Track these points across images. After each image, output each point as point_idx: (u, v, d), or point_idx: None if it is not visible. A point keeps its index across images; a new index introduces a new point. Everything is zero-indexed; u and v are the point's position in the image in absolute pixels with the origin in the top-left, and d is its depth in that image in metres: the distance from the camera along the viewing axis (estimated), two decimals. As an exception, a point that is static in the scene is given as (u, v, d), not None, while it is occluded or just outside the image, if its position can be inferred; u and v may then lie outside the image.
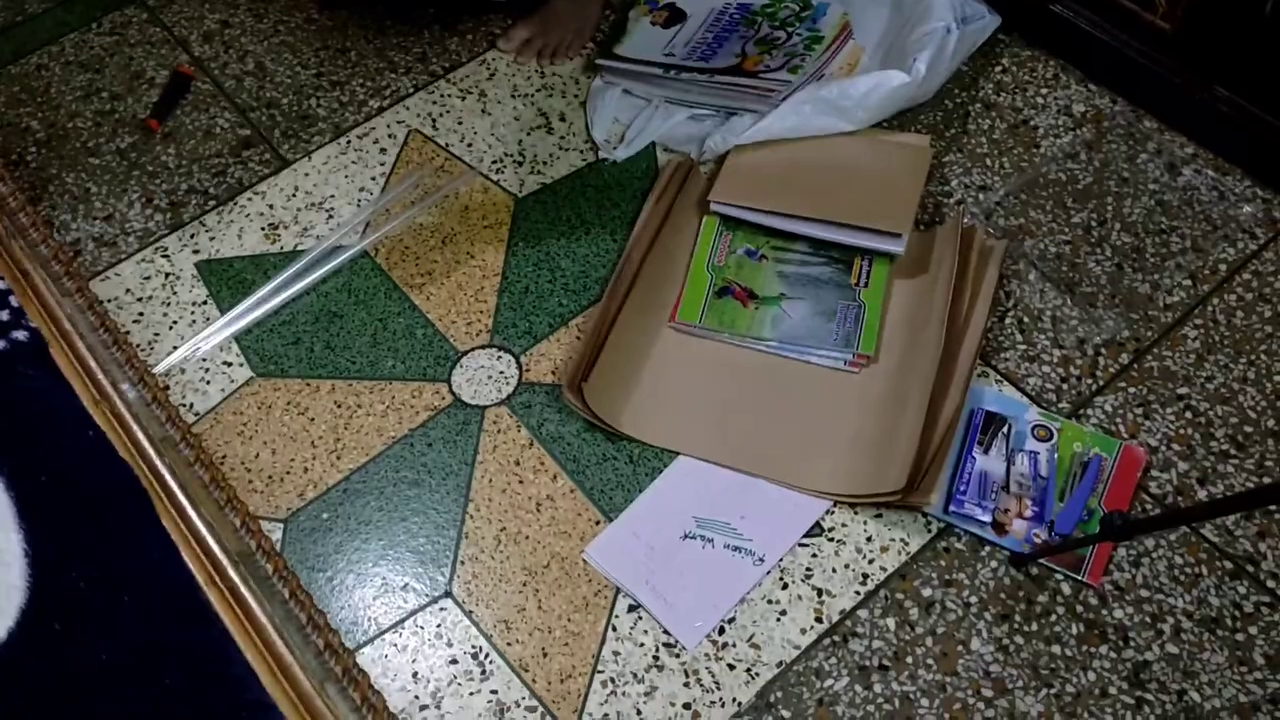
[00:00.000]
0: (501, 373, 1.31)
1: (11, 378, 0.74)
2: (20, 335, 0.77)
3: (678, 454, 1.23)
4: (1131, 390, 1.24)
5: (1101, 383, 1.25)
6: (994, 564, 1.14)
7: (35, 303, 0.79)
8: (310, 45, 1.64)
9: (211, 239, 1.44)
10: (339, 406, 1.29)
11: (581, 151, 1.50)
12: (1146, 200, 1.38)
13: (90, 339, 0.78)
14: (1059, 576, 1.12)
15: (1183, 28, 1.34)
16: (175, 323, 1.36)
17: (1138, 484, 1.17)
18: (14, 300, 0.78)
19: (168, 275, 1.40)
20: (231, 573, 0.66)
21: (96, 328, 0.79)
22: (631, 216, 1.42)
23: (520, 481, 1.22)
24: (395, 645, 1.12)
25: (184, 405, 1.28)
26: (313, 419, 1.28)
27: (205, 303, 1.38)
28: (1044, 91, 1.50)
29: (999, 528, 1.15)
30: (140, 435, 0.72)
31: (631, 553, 1.17)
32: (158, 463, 0.71)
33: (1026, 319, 1.30)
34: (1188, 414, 1.22)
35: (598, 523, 1.19)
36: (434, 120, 1.55)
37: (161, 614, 0.64)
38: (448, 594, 1.16)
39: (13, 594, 0.65)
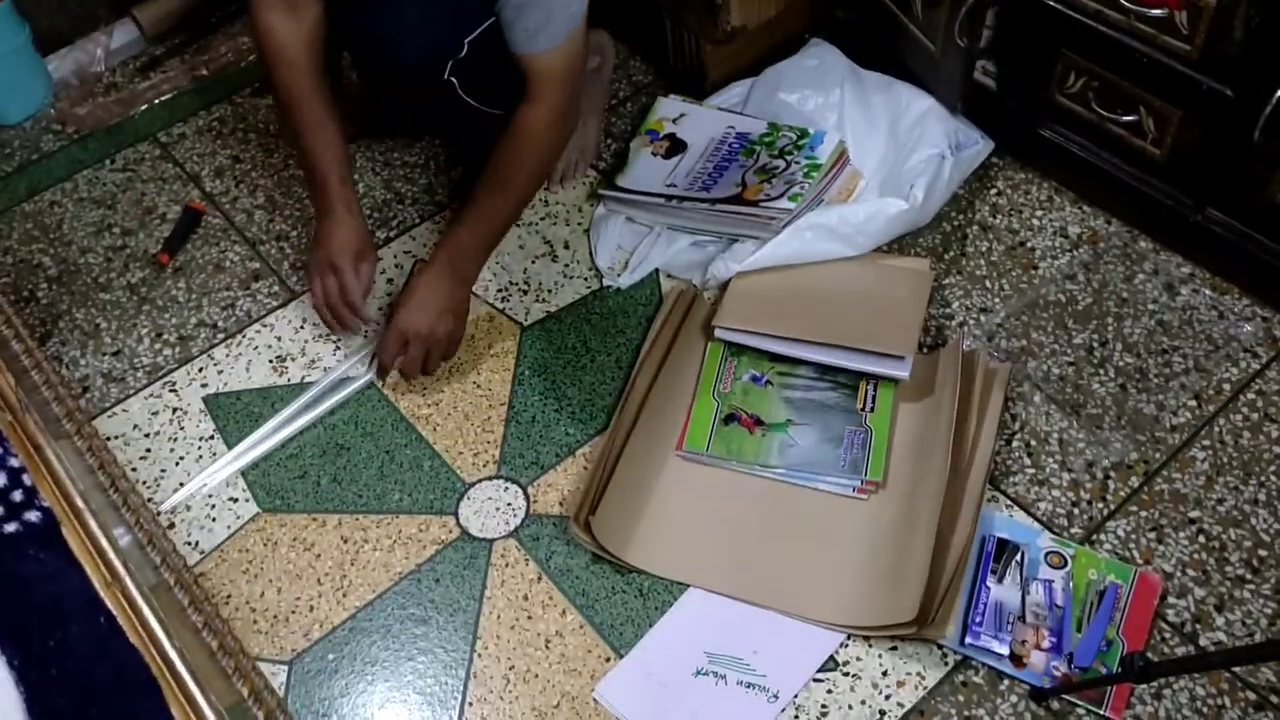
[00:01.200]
0: (509, 504, 1.30)
1: (22, 562, 0.73)
2: (32, 516, 0.76)
3: (688, 586, 1.22)
4: (1143, 514, 1.23)
5: (1113, 507, 1.24)
6: (1014, 698, 1.11)
7: (48, 479, 0.79)
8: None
9: (220, 372, 1.45)
10: (345, 542, 1.28)
11: (586, 279, 1.52)
12: (1147, 320, 1.40)
13: (100, 507, 0.78)
14: (1081, 711, 1.10)
15: (1173, 153, 1.37)
16: (182, 458, 1.36)
17: (1155, 612, 1.15)
18: (27, 479, 0.78)
19: (175, 410, 1.41)
20: (243, 765, 0.65)
21: (106, 488, 0.79)
22: (636, 343, 1.44)
23: (529, 617, 1.21)
24: (402, 795, 1.09)
25: (189, 544, 1.27)
26: (319, 555, 1.27)
27: (212, 437, 1.38)
28: (1039, 213, 1.53)
29: (1017, 660, 1.13)
30: (151, 619, 0.72)
31: (643, 691, 1.15)
32: (168, 648, 0.70)
33: (1034, 442, 1.30)
34: (1201, 538, 1.21)
35: (608, 659, 1.17)
36: (440, 250, 1.57)
37: (172, 817, 0.63)
38: (456, 738, 1.13)
39: (20, 800, 0.63)
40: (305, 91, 1.35)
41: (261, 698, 0.70)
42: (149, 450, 1.37)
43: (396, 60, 1.32)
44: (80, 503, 0.77)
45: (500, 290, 1.51)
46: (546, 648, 1.18)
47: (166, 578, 0.76)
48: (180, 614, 0.72)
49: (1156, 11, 1.28)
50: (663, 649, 1.18)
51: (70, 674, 0.67)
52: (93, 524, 0.76)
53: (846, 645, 1.16)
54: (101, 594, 0.72)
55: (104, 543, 0.75)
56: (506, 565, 1.25)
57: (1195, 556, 1.20)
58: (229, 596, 1.22)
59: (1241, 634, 1.14)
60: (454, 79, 1.34)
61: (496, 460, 1.34)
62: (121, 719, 0.65)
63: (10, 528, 0.77)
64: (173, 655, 0.68)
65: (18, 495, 0.78)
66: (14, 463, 0.80)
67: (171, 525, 1.28)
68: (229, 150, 1.73)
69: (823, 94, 1.59)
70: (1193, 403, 1.32)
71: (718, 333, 1.39)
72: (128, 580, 0.73)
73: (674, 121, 1.61)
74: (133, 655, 0.69)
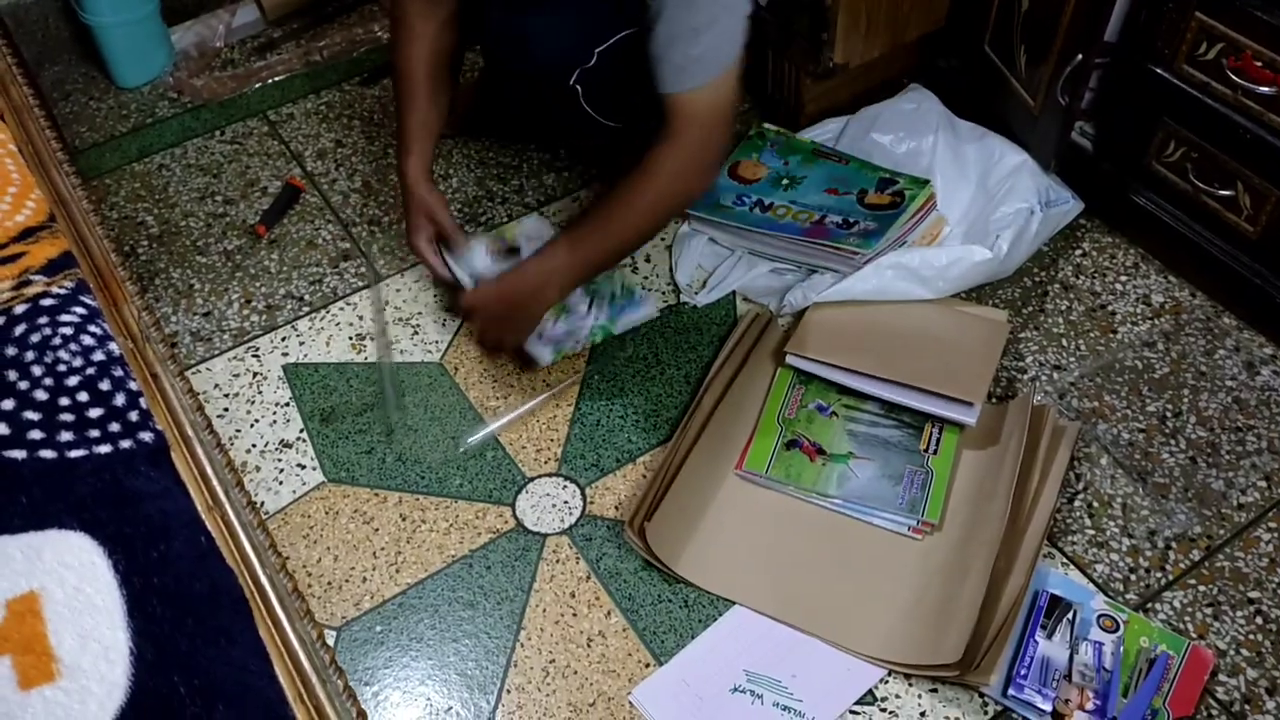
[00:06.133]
0: (566, 502, 1.32)
1: (135, 477, 0.78)
2: (146, 436, 0.81)
3: (733, 603, 1.23)
4: (1201, 589, 1.22)
5: (1171, 577, 1.23)
6: (1051, 755, 1.10)
7: (162, 405, 0.83)
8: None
9: (301, 344, 1.49)
10: (404, 520, 1.31)
11: (664, 293, 1.54)
12: (1223, 396, 1.38)
13: (208, 443, 0.82)
14: (1119, 777, 1.09)
15: (1266, 232, 1.36)
16: (257, 421, 1.40)
17: (1204, 687, 1.14)
18: (143, 402, 0.82)
19: (255, 375, 1.46)
20: (319, 690, 0.67)
21: (202, 428, 0.83)
22: (707, 361, 1.45)
23: (574, 614, 1.22)
24: (434, 771, 1.11)
25: (255, 503, 1.31)
26: (377, 529, 1.30)
27: (288, 404, 1.42)
28: (1123, 279, 1.53)
29: (1059, 718, 1.12)
30: (246, 543, 0.75)
31: (679, 701, 1.16)
32: (259, 572, 0.73)
33: (1096, 504, 1.29)
34: (1258, 619, 1.19)
35: (647, 665, 1.18)
36: (525, 250, 1.61)
37: (252, 727, 0.66)
38: (491, 723, 1.15)
39: (114, 692, 0.67)
40: (416, 76, 1.41)
41: (325, 644, 0.73)
42: (226, 410, 1.42)
43: (527, 61, 1.36)
44: (189, 431, 0.81)
45: (579, 295, 1.55)
46: (588, 646, 1.20)
47: (250, 518, 0.79)
48: (263, 552, 0.75)
49: (1265, 89, 1.28)
50: (702, 662, 1.19)
51: (170, 585, 0.70)
52: (199, 451, 0.80)
53: (886, 681, 1.16)
54: (203, 516, 0.75)
55: (208, 469, 0.79)
56: (557, 561, 1.27)
57: (1251, 637, 1.18)
58: (287, 559, 1.26)
59: (1292, 721, 1.12)
60: (578, 86, 1.37)
61: (558, 458, 1.36)
62: (214, 632, 0.69)
63: (125, 444, 0.82)
64: (264, 581, 0.72)
65: (134, 415, 0.83)
66: (133, 386, 0.85)
67: (239, 484, 1.32)
68: (333, 134, 1.79)
69: (916, 138, 1.60)
70: (1263, 483, 1.30)
71: (789, 359, 1.41)
72: (227, 506, 0.77)
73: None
74: (228, 575, 0.72)
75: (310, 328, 1.51)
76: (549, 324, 1.40)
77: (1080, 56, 1.40)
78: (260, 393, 1.44)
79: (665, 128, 1.27)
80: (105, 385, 0.86)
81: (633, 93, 1.32)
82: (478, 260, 1.43)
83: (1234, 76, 1.30)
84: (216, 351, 1.48)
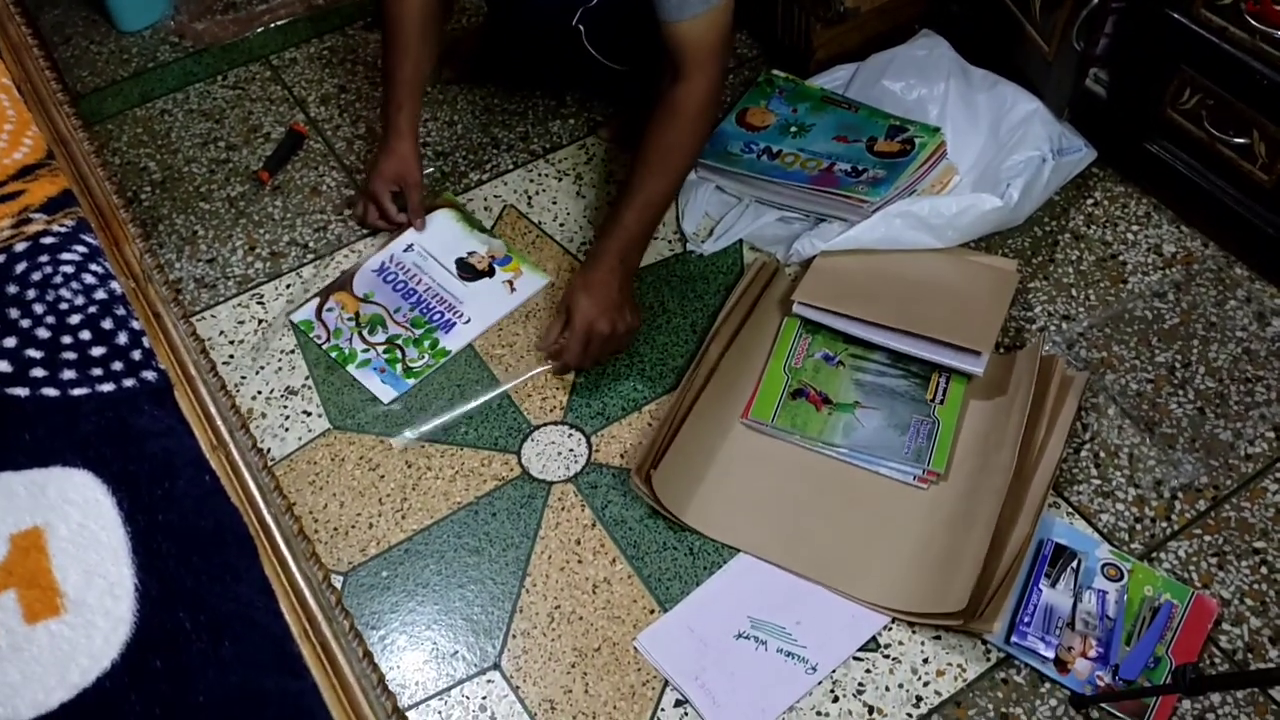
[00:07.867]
0: (571, 450, 1.32)
1: (138, 415, 0.78)
2: (149, 375, 0.81)
3: (738, 551, 1.23)
4: (1207, 539, 1.22)
5: (1176, 527, 1.23)
6: (1053, 702, 1.11)
7: (165, 345, 0.83)
8: (420, 116, 1.70)
9: (306, 291, 1.48)
10: (409, 467, 1.31)
11: (670, 241, 1.53)
12: (1233, 347, 1.37)
13: (212, 384, 0.82)
14: (1120, 723, 1.09)
15: (1282, 180, 1.35)
16: (262, 368, 1.40)
17: (1208, 636, 1.14)
18: (146, 341, 0.82)
19: (260, 321, 1.45)
20: (325, 628, 0.67)
21: (206, 369, 0.83)
22: (714, 310, 1.44)
23: (579, 561, 1.23)
24: (440, 713, 1.12)
25: (261, 449, 1.31)
26: (383, 476, 1.30)
27: (293, 352, 1.42)
28: (1135, 228, 1.51)
29: (1061, 665, 1.12)
30: (250, 483, 0.75)
31: (683, 646, 1.16)
32: (264, 511, 0.73)
33: (1103, 454, 1.29)
34: (1263, 569, 1.19)
35: (652, 611, 1.19)
36: (530, 197, 1.59)
37: (258, 662, 0.66)
38: (496, 666, 1.15)
39: (120, 627, 0.67)
40: (404, 18, 1.40)
41: (332, 585, 0.73)
42: (232, 357, 1.41)
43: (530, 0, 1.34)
44: (193, 370, 0.81)
45: (584, 243, 1.53)
46: (593, 592, 1.20)
47: (255, 460, 0.79)
48: (268, 493, 0.75)
49: (1284, 33, 1.25)
50: (707, 608, 1.19)
51: (175, 522, 0.71)
52: (203, 390, 0.80)
53: (890, 629, 1.17)
54: (207, 455, 0.75)
55: (212, 409, 0.79)
56: (563, 509, 1.27)
57: (1255, 587, 1.18)
58: (293, 504, 1.26)
59: (1295, 669, 1.12)
60: (581, 26, 1.36)
61: (564, 407, 1.36)
62: (220, 569, 0.69)
63: (129, 383, 0.82)
64: (270, 521, 0.72)
65: (137, 355, 0.83)
66: (135, 325, 0.85)
67: (244, 427, 1.32)
68: (336, 79, 1.77)
69: (927, 85, 1.58)
70: (1271, 434, 1.30)
71: (796, 308, 1.40)
72: (232, 446, 0.77)
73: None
74: (233, 513, 0.72)
75: (315, 274, 1.50)
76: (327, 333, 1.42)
77: (1096, 0, 1.37)
78: (265, 340, 1.43)
79: (674, 63, 1.28)
80: (107, 324, 0.85)
81: (634, 34, 1.31)
82: (450, 239, 1.50)
83: (1252, 21, 1.27)
84: (221, 298, 1.48)
